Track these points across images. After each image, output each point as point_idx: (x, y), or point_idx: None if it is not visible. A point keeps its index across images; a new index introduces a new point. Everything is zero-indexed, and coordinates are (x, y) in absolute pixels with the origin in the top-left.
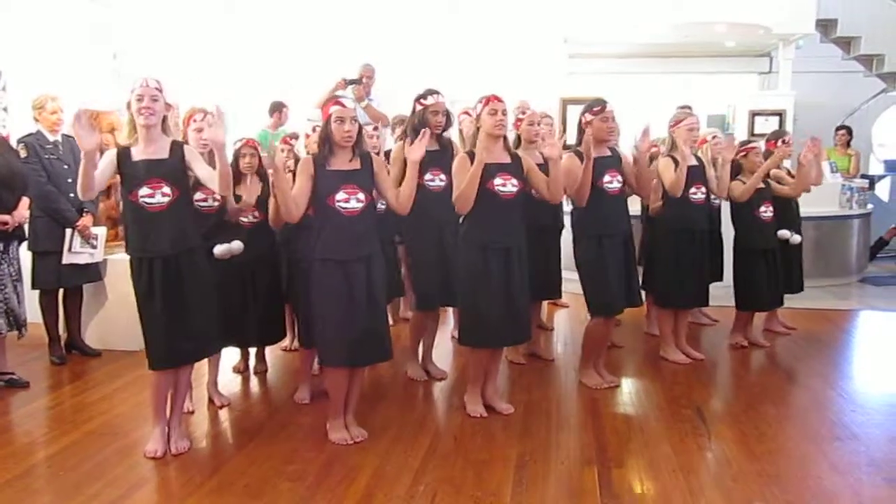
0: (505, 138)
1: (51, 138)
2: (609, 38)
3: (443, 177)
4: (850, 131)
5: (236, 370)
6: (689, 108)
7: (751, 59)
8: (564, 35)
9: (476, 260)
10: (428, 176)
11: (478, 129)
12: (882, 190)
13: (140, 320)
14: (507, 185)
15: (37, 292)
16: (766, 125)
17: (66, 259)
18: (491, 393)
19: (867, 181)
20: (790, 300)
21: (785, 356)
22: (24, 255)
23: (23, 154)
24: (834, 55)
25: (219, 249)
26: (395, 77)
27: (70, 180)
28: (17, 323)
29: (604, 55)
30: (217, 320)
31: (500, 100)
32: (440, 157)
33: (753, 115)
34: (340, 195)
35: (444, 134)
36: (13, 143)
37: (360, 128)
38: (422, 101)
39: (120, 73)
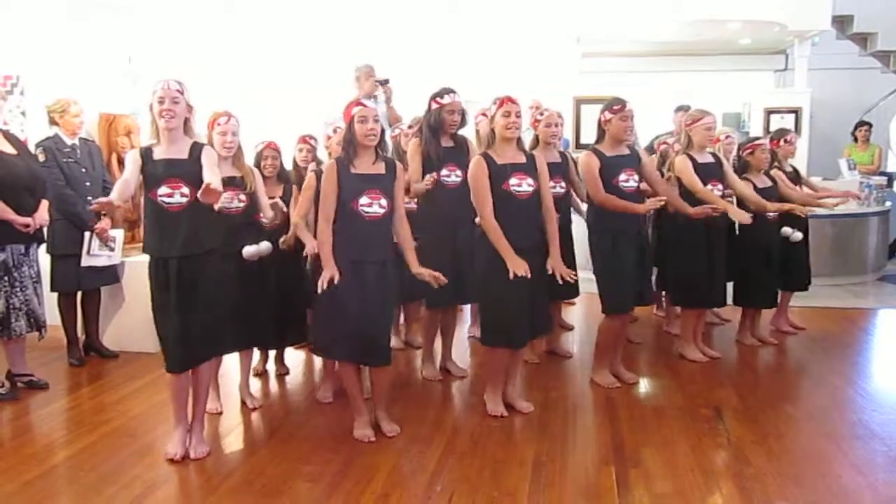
0: (519, 138)
1: (69, 142)
2: (622, 37)
3: (459, 172)
4: (870, 126)
5: (256, 373)
6: (689, 107)
7: (766, 57)
8: (577, 34)
9: (497, 261)
10: (444, 172)
11: (492, 130)
12: None
13: (154, 321)
14: (522, 185)
15: (55, 295)
16: (782, 123)
17: (85, 262)
18: (511, 392)
19: (885, 178)
20: (804, 298)
21: (803, 355)
22: (42, 257)
23: (41, 158)
24: (850, 52)
25: (248, 251)
26: (408, 78)
27: (88, 184)
28: (37, 324)
29: (617, 54)
30: (229, 321)
31: (514, 101)
32: (456, 153)
33: (769, 112)
34: (364, 199)
35: (460, 132)
36: (31, 147)
37: (383, 131)
38: (438, 99)
39: (135, 77)
